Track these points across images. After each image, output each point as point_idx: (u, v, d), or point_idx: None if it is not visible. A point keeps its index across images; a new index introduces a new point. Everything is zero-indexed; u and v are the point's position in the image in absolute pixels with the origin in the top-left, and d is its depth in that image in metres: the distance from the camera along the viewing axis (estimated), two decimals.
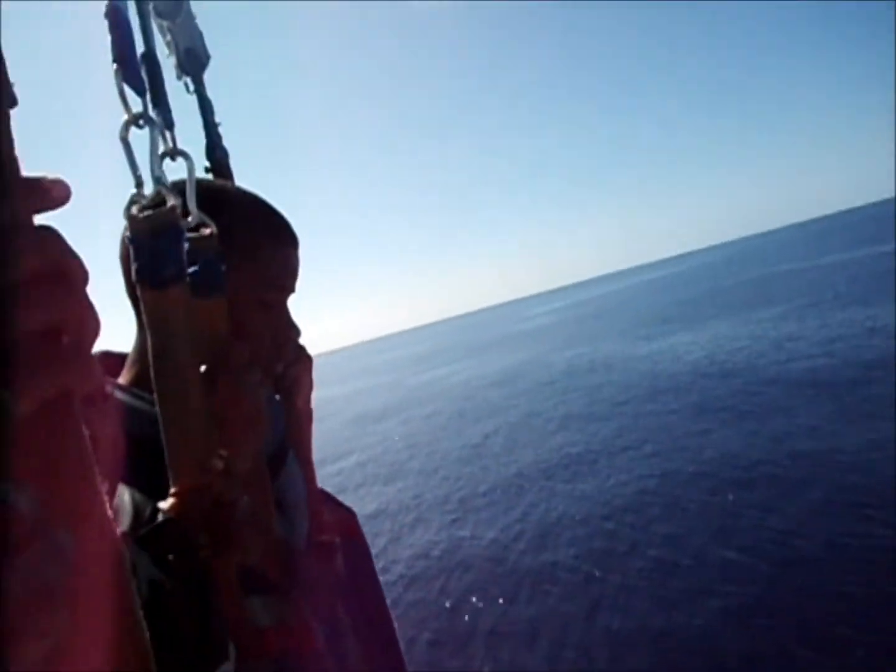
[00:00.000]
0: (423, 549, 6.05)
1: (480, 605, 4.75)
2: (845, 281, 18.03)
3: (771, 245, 76.09)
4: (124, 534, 0.62)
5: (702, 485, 5.82)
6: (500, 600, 4.72)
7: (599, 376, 13.16)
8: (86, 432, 0.34)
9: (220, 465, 0.66)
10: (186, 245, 0.66)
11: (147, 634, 0.39)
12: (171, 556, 0.61)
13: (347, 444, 12.83)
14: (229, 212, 0.83)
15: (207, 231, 0.72)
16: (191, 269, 0.67)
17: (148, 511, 0.67)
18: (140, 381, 0.79)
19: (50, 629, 0.27)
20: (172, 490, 0.64)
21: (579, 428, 9.30)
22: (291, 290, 0.93)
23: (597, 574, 4.74)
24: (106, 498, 0.34)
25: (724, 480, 5.78)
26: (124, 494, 0.66)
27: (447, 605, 4.85)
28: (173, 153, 0.73)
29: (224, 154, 1.06)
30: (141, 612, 0.39)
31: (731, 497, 5.40)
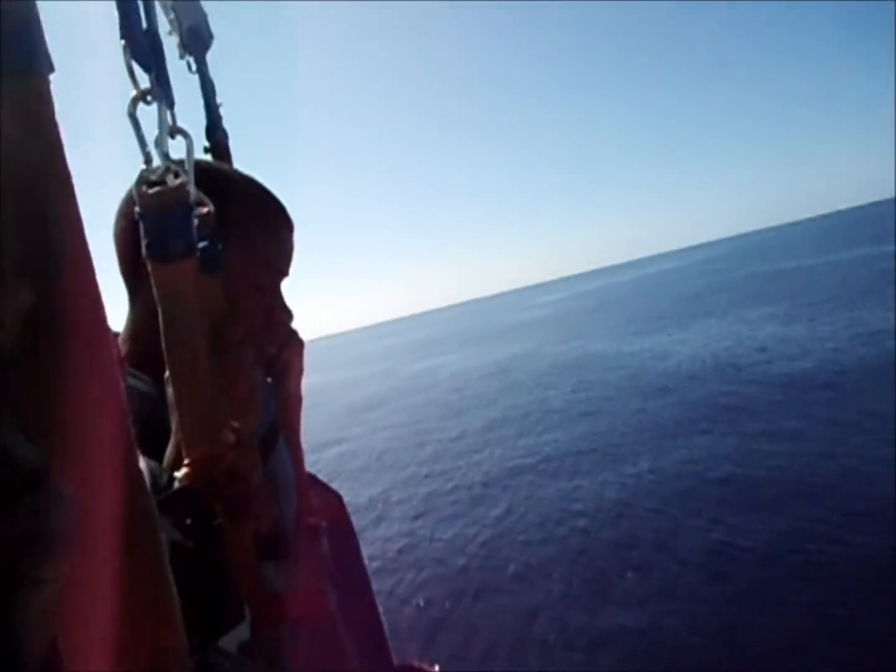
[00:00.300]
0: (379, 548, 6.08)
1: (425, 607, 4.77)
2: (842, 281, 18.01)
3: (779, 240, 75.95)
4: None
5: (659, 492, 5.83)
6: (446, 604, 4.75)
7: (585, 373, 13.15)
8: (123, 391, 0.35)
9: (231, 437, 0.68)
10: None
11: (175, 589, 0.40)
12: (188, 521, 0.62)
13: (330, 435, 12.86)
14: (227, 193, 0.83)
15: (205, 210, 0.73)
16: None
17: (165, 479, 0.67)
18: (131, 360, 0.81)
19: (50, 576, 0.28)
20: (186, 461, 0.66)
21: (554, 427, 9.31)
22: (285, 273, 0.94)
23: (540, 582, 4.76)
24: (139, 457, 0.36)
25: (681, 489, 5.78)
26: (140, 462, 0.67)
27: (393, 606, 4.88)
28: (173, 131, 0.72)
29: (224, 135, 1.07)
30: (170, 570, 0.39)
31: (683, 506, 5.41)
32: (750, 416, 7.48)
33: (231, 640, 0.63)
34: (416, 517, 6.77)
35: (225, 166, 0.94)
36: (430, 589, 5.04)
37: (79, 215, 0.36)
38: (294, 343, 0.98)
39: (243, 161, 1.03)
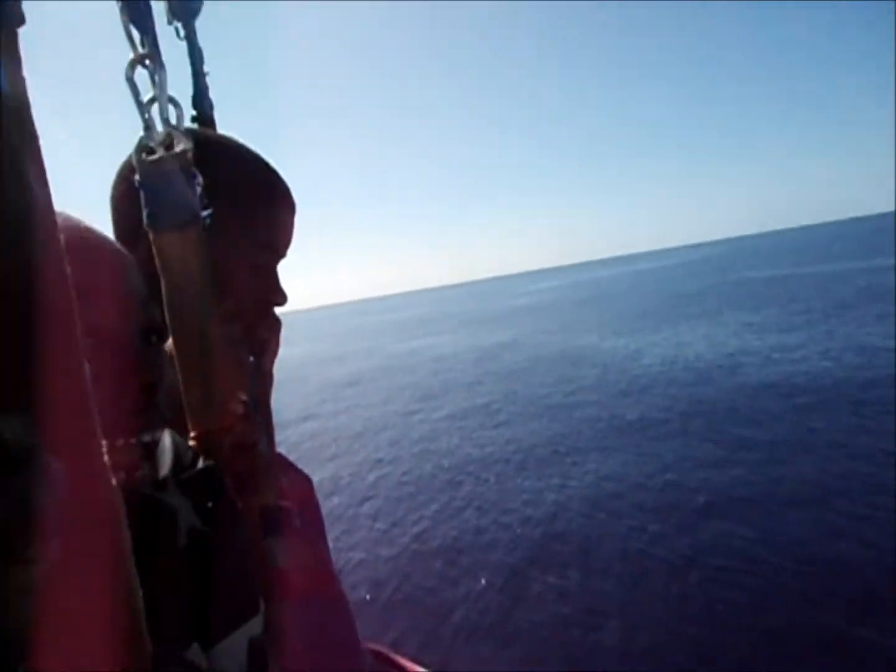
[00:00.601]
0: None
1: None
2: (825, 293, 18.19)
3: (780, 245, 76.23)
4: (166, 477, 0.61)
5: (595, 496, 5.87)
6: (367, 594, 4.78)
7: (560, 368, 13.18)
8: (88, 374, 0.33)
9: (240, 408, 0.67)
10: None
11: (139, 590, 0.36)
12: (210, 504, 0.61)
13: (301, 411, 12.90)
14: (233, 169, 0.82)
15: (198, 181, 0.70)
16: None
17: (189, 456, 0.66)
18: None
19: (40, 556, 0.27)
20: (192, 433, 0.65)
21: (513, 421, 9.36)
22: (283, 255, 0.92)
23: (464, 578, 4.80)
24: (104, 444, 0.34)
25: (615, 493, 5.83)
26: (165, 437, 0.65)
27: None
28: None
29: (210, 105, 1.04)
30: (133, 565, 0.36)
31: (614, 511, 5.45)
32: (701, 423, 7.53)
33: (242, 636, 0.61)
34: (361, 502, 6.81)
35: (230, 140, 0.91)
36: (353, 577, 5.08)
37: (46, 180, 0.33)
38: (273, 322, 0.96)
39: (228, 129, 0.99)
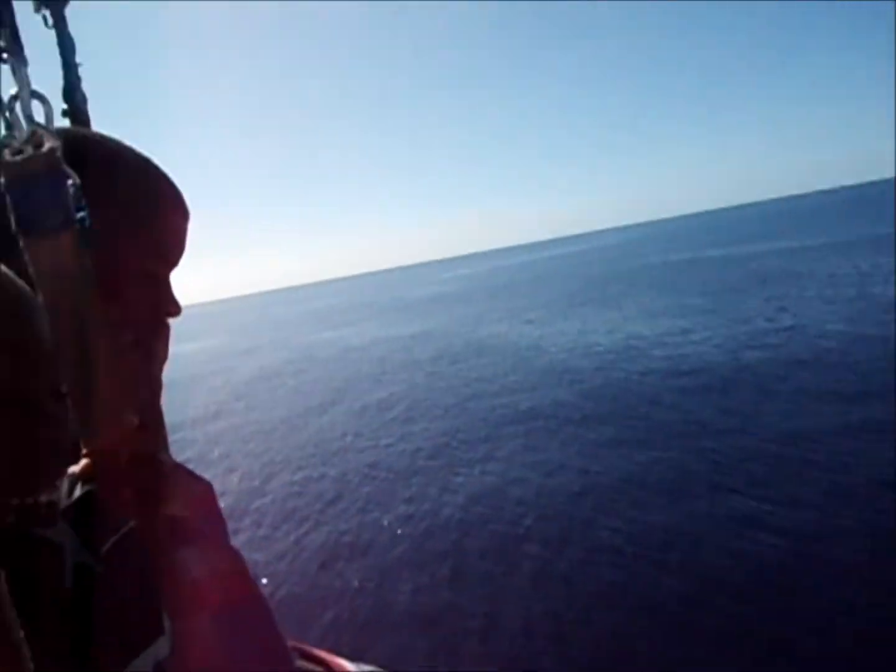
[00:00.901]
0: None
1: None
2: (727, 277, 19.17)
3: (705, 225, 79.72)
4: (52, 512, 0.59)
5: (476, 492, 5.99)
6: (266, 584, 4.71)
7: (464, 359, 13.37)
8: None
9: (135, 420, 0.64)
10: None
11: (20, 633, 0.35)
12: (94, 532, 0.59)
13: (200, 411, 12.59)
14: (125, 174, 0.77)
15: (70, 181, 0.63)
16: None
17: (66, 485, 0.63)
18: None
19: None
20: (84, 451, 0.63)
21: (414, 417, 9.39)
22: (175, 263, 0.87)
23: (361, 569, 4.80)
24: None
25: (493, 490, 5.95)
26: None
27: None
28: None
29: (83, 98, 0.98)
30: (9, 606, 0.35)
31: (492, 506, 5.57)
32: (587, 411, 7.83)
33: (144, 661, 0.59)
34: (247, 505, 6.69)
35: (119, 142, 0.84)
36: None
37: None
38: (162, 329, 0.91)
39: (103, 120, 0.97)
